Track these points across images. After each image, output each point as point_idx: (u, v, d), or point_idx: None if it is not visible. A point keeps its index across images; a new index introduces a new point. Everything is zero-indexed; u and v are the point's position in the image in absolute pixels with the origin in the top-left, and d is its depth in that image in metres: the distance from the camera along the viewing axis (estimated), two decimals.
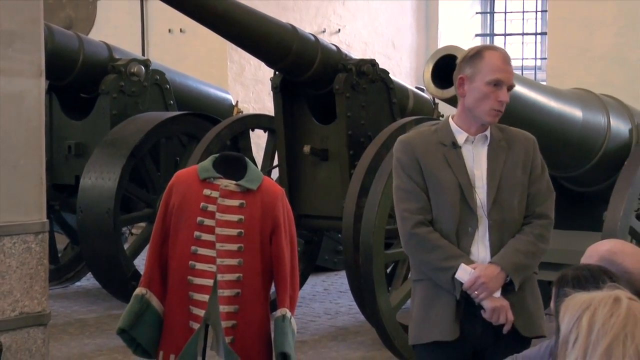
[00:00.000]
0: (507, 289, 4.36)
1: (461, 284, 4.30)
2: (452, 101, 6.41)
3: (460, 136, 4.44)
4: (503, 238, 4.39)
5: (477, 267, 4.31)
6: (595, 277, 2.88)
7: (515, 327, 4.36)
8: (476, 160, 4.44)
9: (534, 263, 4.43)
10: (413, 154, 4.44)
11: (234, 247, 4.83)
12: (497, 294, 4.33)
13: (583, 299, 2.42)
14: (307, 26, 10.93)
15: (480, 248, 4.39)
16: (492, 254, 4.36)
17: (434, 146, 4.44)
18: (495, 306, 4.32)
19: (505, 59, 4.44)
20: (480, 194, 4.39)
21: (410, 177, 4.43)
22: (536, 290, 4.51)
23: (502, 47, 14.32)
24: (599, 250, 3.27)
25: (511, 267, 4.33)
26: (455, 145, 4.43)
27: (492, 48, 4.57)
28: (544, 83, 10.88)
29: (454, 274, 4.30)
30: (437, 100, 8.46)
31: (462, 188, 4.37)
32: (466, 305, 4.38)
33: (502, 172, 4.41)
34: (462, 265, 4.30)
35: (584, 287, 2.65)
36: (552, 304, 2.96)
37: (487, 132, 4.45)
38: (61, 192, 9.89)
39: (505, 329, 4.34)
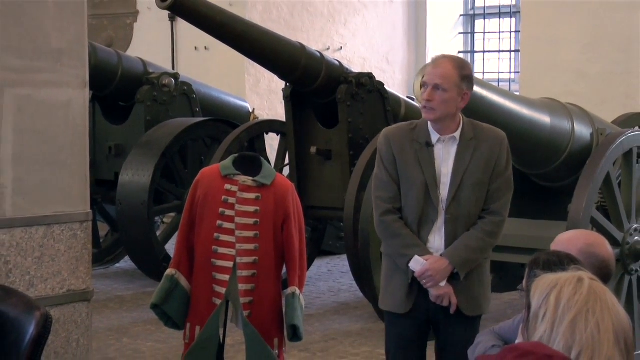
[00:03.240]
0: (455, 277, 4.36)
1: (413, 272, 4.33)
2: None
3: (434, 136, 4.40)
4: (457, 230, 4.38)
5: (429, 259, 4.32)
6: (562, 262, 2.89)
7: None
8: (445, 158, 4.40)
9: (481, 256, 4.41)
10: (390, 149, 4.43)
11: (250, 234, 4.82)
12: (443, 283, 4.35)
13: (551, 279, 2.42)
14: (314, 44, 10.91)
15: (437, 238, 4.39)
16: (447, 243, 4.37)
17: (409, 143, 4.41)
18: (439, 294, 4.36)
19: (435, 63, 4.37)
20: (443, 190, 4.37)
21: (386, 169, 4.44)
22: (484, 276, 4.49)
23: (480, 62, 14.47)
24: (575, 244, 3.26)
25: (459, 262, 4.34)
26: (428, 144, 4.39)
27: (435, 57, 4.53)
28: (517, 93, 10.86)
29: (409, 261, 4.32)
30: None
31: (428, 185, 4.35)
32: (415, 281, 4.40)
33: (466, 171, 4.37)
34: (416, 257, 4.32)
35: (552, 270, 2.65)
36: (524, 283, 2.96)
37: (457, 134, 4.39)
38: (103, 187, 9.89)
39: (451, 310, 4.37)
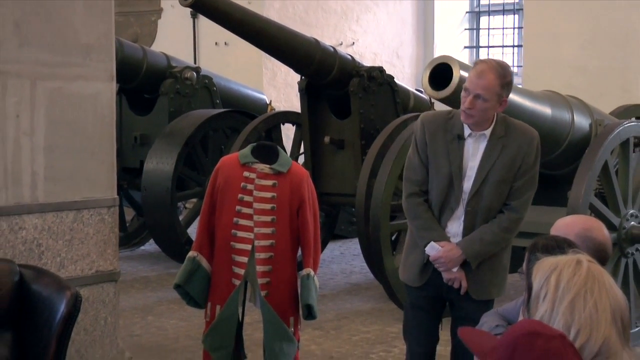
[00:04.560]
0: (467, 264, 4.37)
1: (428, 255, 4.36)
2: (446, 101, 6.39)
3: (466, 131, 4.37)
4: (476, 222, 4.37)
5: (444, 246, 4.33)
6: (560, 245, 2.88)
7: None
8: (473, 153, 4.37)
9: (494, 249, 4.39)
10: (424, 135, 4.42)
11: (268, 218, 4.82)
12: (455, 268, 4.36)
13: (551, 261, 2.41)
14: (327, 40, 10.89)
15: (455, 225, 4.40)
16: (464, 232, 4.37)
17: (443, 132, 4.38)
18: (450, 277, 4.38)
19: (479, 73, 4.27)
20: (467, 183, 4.35)
21: (419, 153, 4.44)
22: (498, 264, 4.47)
23: (485, 56, 14.41)
24: (573, 229, 3.25)
25: (471, 253, 4.34)
26: (460, 137, 4.37)
27: (478, 63, 4.41)
28: (520, 86, 10.82)
29: (426, 244, 4.35)
30: (433, 100, 8.42)
31: (453, 176, 4.34)
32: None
33: (492, 168, 4.33)
34: (432, 243, 4.35)
35: (551, 253, 2.64)
36: (524, 266, 2.96)
37: (487, 132, 4.35)
38: (129, 174, 9.91)
39: (462, 292, 4.40)
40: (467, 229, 4.37)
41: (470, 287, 4.40)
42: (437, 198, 4.40)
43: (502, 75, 4.31)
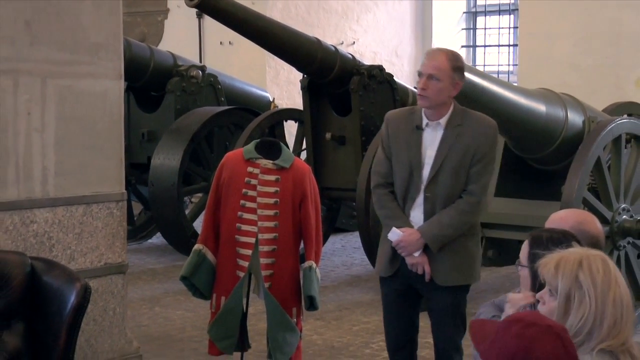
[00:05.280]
0: (430, 250, 4.38)
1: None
2: None
3: (424, 121, 4.40)
4: (435, 208, 4.37)
5: (405, 232, 4.35)
6: (567, 238, 2.87)
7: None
8: (431, 142, 4.38)
9: (454, 233, 4.37)
10: (388, 130, 4.48)
11: (271, 212, 4.82)
12: (417, 253, 4.36)
13: (572, 257, 2.38)
14: (329, 39, 10.87)
15: (417, 213, 4.41)
16: (425, 219, 4.38)
17: (404, 126, 4.43)
18: (412, 262, 4.39)
19: (430, 55, 4.37)
20: (425, 171, 4.37)
21: (384, 148, 4.49)
22: (463, 251, 4.43)
23: (482, 55, 14.41)
24: (567, 222, 3.24)
25: (429, 236, 4.33)
26: (418, 128, 4.39)
27: (431, 49, 4.54)
28: (516, 84, 10.81)
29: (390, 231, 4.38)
30: None
31: (412, 167, 4.36)
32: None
33: (447, 155, 4.34)
34: (393, 229, 4.37)
35: (557, 246, 2.63)
36: (522, 258, 2.94)
37: (442, 120, 4.37)
38: (136, 169, 9.90)
39: (426, 279, 4.39)
40: (427, 216, 4.38)
41: (433, 272, 4.39)
42: (400, 188, 4.43)
43: (454, 59, 4.38)
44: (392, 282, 4.51)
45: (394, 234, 4.36)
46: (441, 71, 4.30)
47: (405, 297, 4.51)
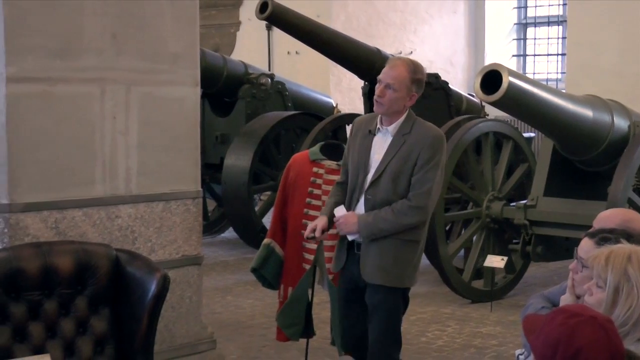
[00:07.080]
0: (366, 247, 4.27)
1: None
2: (495, 104, 6.32)
3: (377, 127, 4.29)
4: (374, 210, 4.22)
5: (348, 213, 4.24)
6: (631, 235, 2.83)
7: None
8: (380, 147, 4.26)
9: (388, 228, 4.18)
10: (351, 135, 4.42)
11: None
12: (352, 237, 4.28)
13: (622, 252, 2.36)
14: (388, 49, 10.82)
15: (359, 213, 4.25)
16: None
17: (362, 132, 4.34)
18: (338, 221, 4.28)
19: (392, 65, 4.23)
20: (370, 174, 4.25)
21: (348, 150, 4.42)
22: (398, 253, 4.24)
23: (532, 64, 14.24)
24: (614, 220, 3.19)
25: (363, 223, 4.19)
26: (371, 132, 4.29)
27: (394, 58, 4.38)
28: (564, 91, 10.67)
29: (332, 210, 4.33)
30: (483, 103, 8.35)
31: (359, 169, 4.26)
32: (349, 248, 4.32)
33: (390, 161, 4.20)
34: (342, 206, 4.29)
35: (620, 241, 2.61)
36: (579, 254, 2.88)
37: (390, 127, 4.24)
38: (210, 169, 9.98)
39: (316, 234, 4.31)
40: None
41: (362, 268, 4.25)
42: (349, 188, 4.34)
43: (413, 71, 4.21)
44: (342, 277, 4.42)
45: (340, 211, 4.28)
46: (398, 82, 4.16)
47: (354, 293, 4.36)
